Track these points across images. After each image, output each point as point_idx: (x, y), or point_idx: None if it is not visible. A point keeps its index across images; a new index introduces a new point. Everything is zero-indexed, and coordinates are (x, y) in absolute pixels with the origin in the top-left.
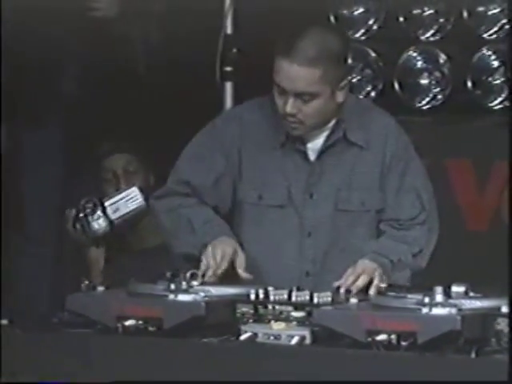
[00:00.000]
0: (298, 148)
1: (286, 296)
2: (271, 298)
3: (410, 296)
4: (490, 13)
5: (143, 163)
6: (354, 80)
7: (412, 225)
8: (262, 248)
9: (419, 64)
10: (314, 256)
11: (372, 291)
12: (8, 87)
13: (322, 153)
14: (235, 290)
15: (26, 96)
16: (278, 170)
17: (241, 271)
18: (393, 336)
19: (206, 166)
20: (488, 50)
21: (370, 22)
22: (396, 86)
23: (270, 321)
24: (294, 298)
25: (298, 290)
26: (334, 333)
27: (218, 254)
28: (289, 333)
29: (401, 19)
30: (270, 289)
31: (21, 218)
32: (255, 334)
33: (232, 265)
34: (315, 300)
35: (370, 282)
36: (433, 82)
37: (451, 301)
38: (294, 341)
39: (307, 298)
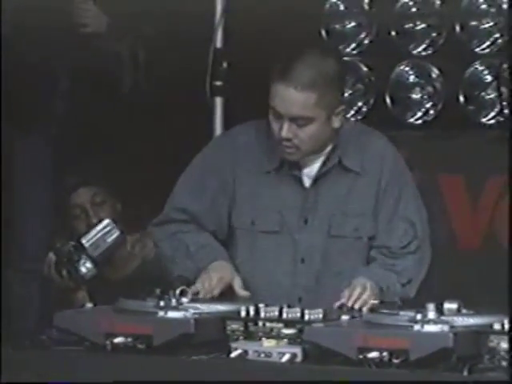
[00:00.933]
0: (294, 174)
1: (276, 313)
2: (262, 314)
3: (402, 313)
4: (482, 27)
5: (109, 192)
6: (346, 94)
7: (403, 254)
8: (255, 274)
9: (411, 78)
10: (307, 282)
11: (365, 308)
12: None
13: (317, 179)
14: (225, 307)
15: None
16: (272, 195)
17: (238, 289)
18: (385, 353)
19: (201, 192)
20: (481, 64)
21: (362, 36)
22: (388, 100)
23: (260, 338)
24: (284, 315)
25: (289, 306)
26: (325, 350)
27: (214, 277)
28: (280, 350)
29: (393, 33)
30: (261, 305)
31: (15, 232)
32: (245, 352)
33: (228, 286)
34: (306, 317)
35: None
36: (425, 97)
37: (443, 318)
38: (285, 358)
39: (298, 314)
